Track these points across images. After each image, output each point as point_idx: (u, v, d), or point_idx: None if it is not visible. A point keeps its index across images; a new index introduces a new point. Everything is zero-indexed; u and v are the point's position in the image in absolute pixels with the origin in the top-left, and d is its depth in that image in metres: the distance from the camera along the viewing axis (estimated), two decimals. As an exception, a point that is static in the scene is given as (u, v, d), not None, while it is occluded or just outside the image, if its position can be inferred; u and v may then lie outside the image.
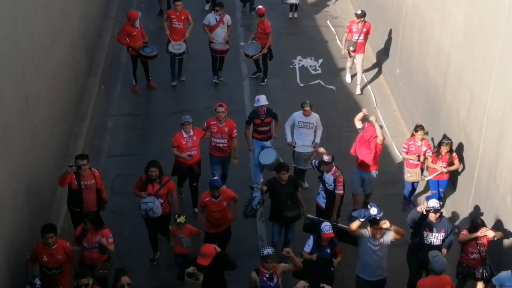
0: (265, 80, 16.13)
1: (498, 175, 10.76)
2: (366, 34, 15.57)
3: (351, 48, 15.62)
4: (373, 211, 9.65)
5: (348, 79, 16.29)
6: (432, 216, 10.18)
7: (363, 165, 12.09)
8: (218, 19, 15.51)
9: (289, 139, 12.64)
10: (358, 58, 15.73)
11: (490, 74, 10.95)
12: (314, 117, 12.55)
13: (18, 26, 10.06)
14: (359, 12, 15.67)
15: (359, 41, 15.47)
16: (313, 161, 11.71)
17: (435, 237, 10.27)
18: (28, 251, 9.70)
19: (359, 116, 12.23)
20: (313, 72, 16.74)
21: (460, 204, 12.15)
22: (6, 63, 9.53)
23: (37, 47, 11.15)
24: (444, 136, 12.16)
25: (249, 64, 16.57)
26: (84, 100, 14.75)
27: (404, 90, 15.34)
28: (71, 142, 13.39)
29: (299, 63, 17.01)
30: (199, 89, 15.84)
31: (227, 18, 15.68)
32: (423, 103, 14.08)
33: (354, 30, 15.50)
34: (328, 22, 18.88)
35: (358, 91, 15.90)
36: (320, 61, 17.11)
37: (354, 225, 9.88)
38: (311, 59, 17.18)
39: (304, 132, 12.55)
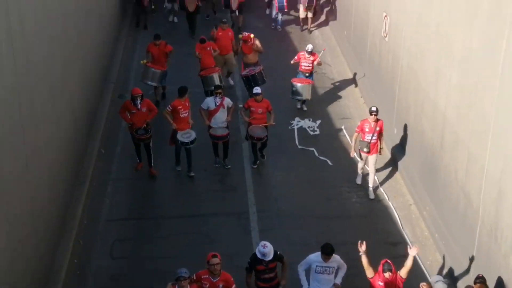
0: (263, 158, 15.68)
1: (499, 236, 10.71)
2: (379, 133, 14.17)
3: (365, 150, 14.13)
4: None
5: (359, 180, 14.77)
6: None
7: None
8: (218, 103, 14.87)
9: (305, 285, 10.76)
10: (371, 159, 14.28)
11: (487, 134, 11.02)
12: (336, 260, 10.66)
13: (18, 91, 10.20)
14: (373, 108, 14.17)
15: (372, 141, 14.08)
16: None
17: None
18: None
19: (365, 262, 10.42)
20: (311, 133, 16.81)
21: (462, 265, 12.04)
22: (5, 133, 9.61)
23: (39, 111, 11.28)
24: (478, 276, 10.48)
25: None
26: (84, 163, 14.80)
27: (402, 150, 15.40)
28: (71, 206, 13.36)
29: (297, 125, 17.10)
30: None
31: (227, 101, 15.07)
32: (421, 162, 14.13)
33: (367, 129, 14.03)
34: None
35: (371, 196, 14.37)
36: (318, 122, 17.22)
37: None
38: (309, 120, 17.28)
39: (323, 278, 10.65)
